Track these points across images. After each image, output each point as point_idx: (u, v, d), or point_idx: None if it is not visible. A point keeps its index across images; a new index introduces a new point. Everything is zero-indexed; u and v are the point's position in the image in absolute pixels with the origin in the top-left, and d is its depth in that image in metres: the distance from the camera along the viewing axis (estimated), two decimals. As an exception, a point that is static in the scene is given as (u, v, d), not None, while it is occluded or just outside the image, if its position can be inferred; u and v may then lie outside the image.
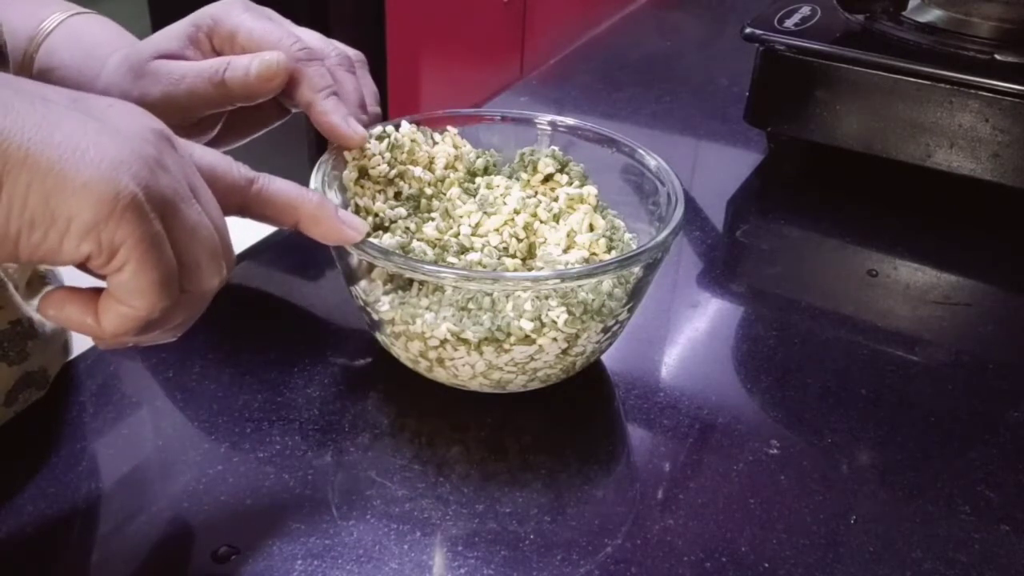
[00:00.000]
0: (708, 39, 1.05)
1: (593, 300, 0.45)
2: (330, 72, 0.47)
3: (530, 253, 0.48)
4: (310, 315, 0.56)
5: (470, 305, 0.44)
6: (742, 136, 0.79)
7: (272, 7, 0.49)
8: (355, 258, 0.46)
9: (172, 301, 0.33)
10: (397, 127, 0.51)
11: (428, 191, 0.50)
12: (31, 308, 0.47)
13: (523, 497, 0.44)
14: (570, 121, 0.54)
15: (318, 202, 0.41)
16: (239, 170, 0.38)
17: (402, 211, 0.49)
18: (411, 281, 0.46)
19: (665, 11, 1.12)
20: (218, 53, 0.48)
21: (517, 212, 0.48)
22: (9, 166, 0.29)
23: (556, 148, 0.52)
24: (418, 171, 0.50)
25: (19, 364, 0.45)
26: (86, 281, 0.34)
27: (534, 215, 0.48)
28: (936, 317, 0.58)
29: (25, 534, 0.41)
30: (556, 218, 0.49)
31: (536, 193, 0.50)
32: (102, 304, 0.33)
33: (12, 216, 0.29)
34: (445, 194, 0.50)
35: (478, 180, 0.51)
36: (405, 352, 0.47)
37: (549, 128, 0.54)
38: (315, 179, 0.47)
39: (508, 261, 0.47)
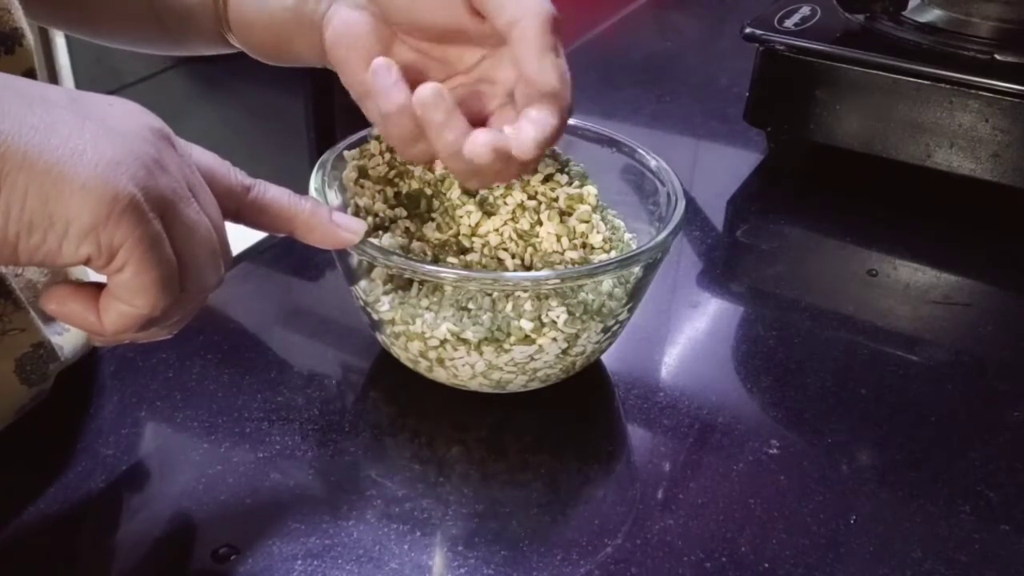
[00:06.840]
0: (708, 39, 1.05)
1: (593, 300, 0.45)
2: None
3: (530, 253, 0.48)
4: (310, 315, 0.56)
5: (470, 305, 0.44)
6: (742, 136, 0.79)
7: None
8: (355, 258, 0.46)
9: (172, 299, 0.33)
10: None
11: (428, 191, 0.50)
12: (51, 331, 0.47)
13: (523, 497, 0.44)
14: (570, 121, 0.54)
15: (311, 209, 0.41)
16: (236, 175, 0.38)
17: (402, 211, 0.49)
18: (411, 281, 0.46)
19: (665, 11, 1.12)
20: None
21: (517, 212, 0.48)
22: (7, 169, 0.29)
23: (556, 148, 0.52)
24: (418, 171, 0.50)
25: (39, 385, 0.45)
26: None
27: (534, 215, 0.48)
28: (936, 317, 0.58)
29: (24, 534, 0.41)
30: (556, 218, 0.49)
31: (536, 193, 0.50)
32: (103, 302, 0.33)
33: (11, 219, 0.29)
34: (445, 194, 0.50)
35: (478, 180, 0.51)
36: (405, 352, 0.47)
37: None
38: (315, 179, 0.47)
39: (508, 261, 0.47)
